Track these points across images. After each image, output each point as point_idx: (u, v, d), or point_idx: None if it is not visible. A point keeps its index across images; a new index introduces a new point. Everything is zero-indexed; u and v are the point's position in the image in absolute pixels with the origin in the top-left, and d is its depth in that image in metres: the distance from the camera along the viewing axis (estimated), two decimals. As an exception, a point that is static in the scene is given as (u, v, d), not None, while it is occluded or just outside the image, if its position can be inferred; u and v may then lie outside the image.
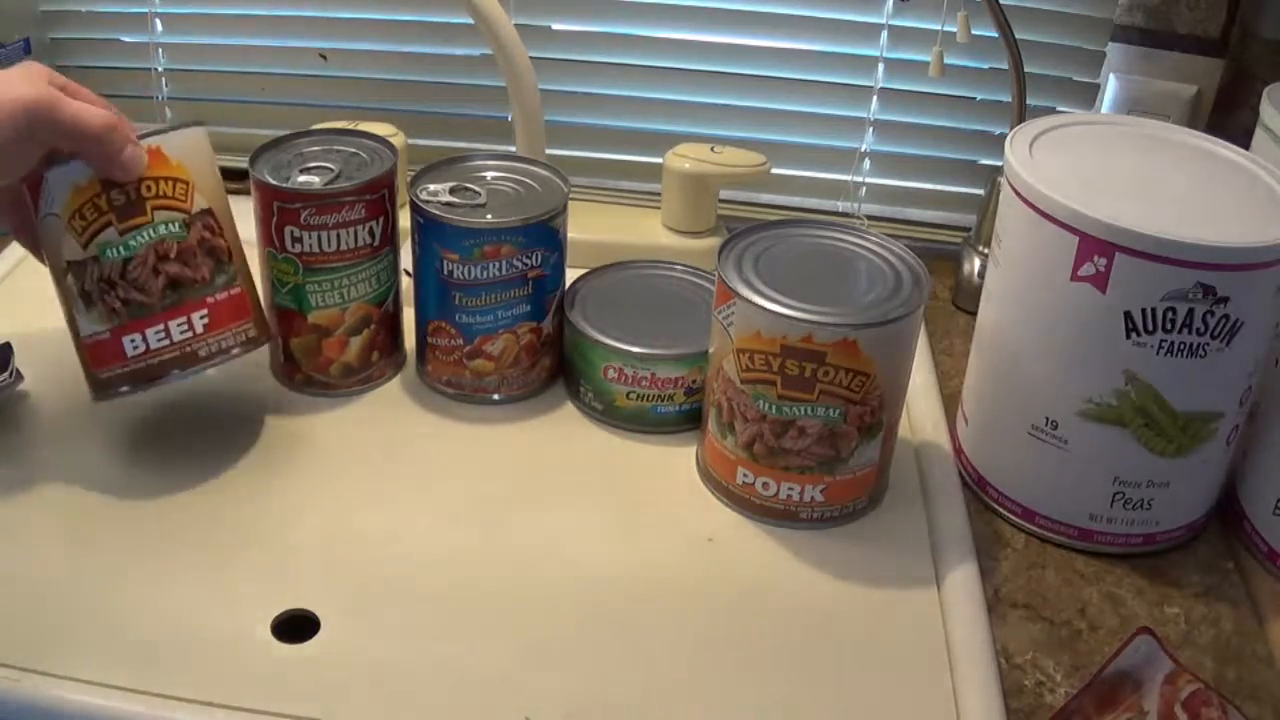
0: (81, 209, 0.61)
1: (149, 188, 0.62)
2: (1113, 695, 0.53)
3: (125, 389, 0.63)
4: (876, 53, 0.93)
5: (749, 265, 0.64)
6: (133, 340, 0.62)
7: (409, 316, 0.76)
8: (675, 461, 0.71)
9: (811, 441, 0.63)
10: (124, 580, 0.60)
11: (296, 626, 0.58)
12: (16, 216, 0.65)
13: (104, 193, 0.61)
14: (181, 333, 0.63)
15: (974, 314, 0.77)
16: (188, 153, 0.64)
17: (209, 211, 0.65)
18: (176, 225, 0.63)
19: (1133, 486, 0.64)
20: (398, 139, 0.87)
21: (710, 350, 0.66)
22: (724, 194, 0.90)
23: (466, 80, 0.98)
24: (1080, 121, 0.69)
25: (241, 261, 0.67)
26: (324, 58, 0.99)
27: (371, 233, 0.70)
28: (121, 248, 0.62)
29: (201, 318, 0.64)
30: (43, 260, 0.65)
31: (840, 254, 0.67)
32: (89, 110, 0.59)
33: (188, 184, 0.63)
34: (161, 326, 0.63)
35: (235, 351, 0.65)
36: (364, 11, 0.97)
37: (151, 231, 0.62)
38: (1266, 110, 0.71)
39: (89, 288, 0.62)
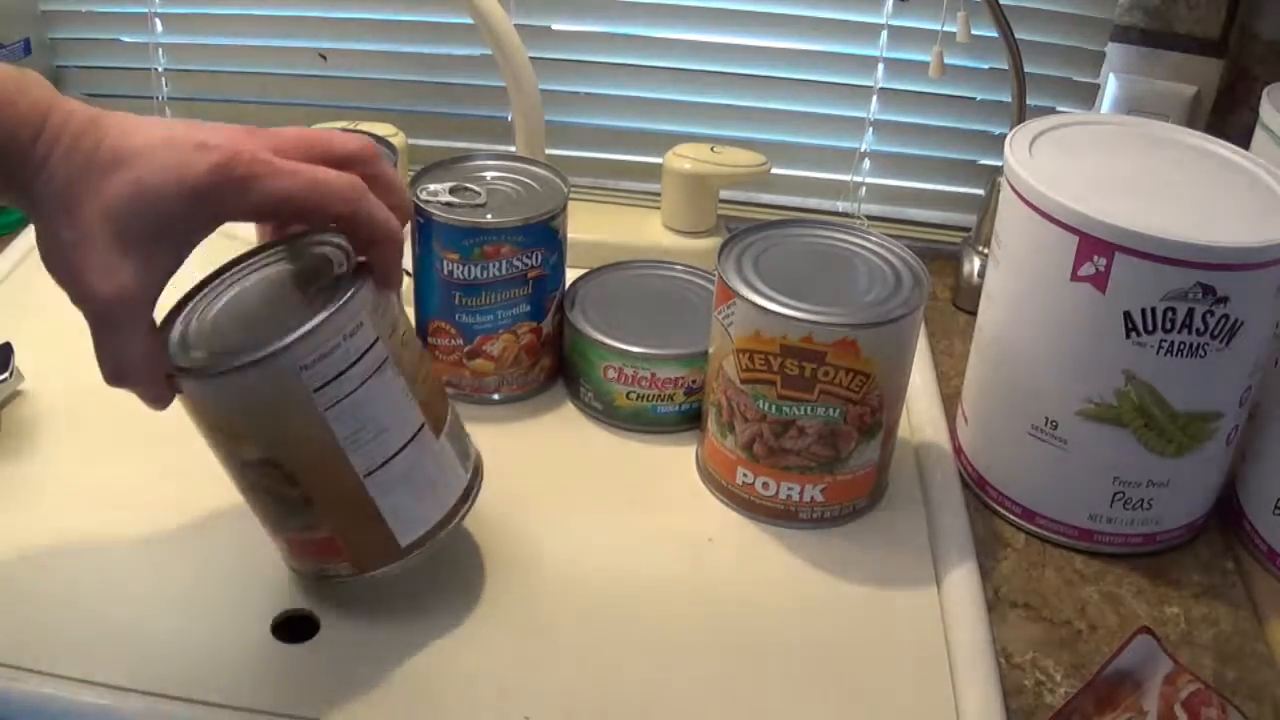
0: None
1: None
2: (1112, 695, 0.53)
3: None
4: (876, 53, 0.93)
5: (749, 265, 0.64)
6: None
7: (409, 317, 0.76)
8: (675, 461, 0.71)
9: (811, 441, 0.63)
10: (123, 579, 0.60)
11: (296, 626, 0.58)
12: None
13: None
14: None
15: (974, 314, 0.77)
16: (239, 399, 0.52)
17: (268, 462, 0.53)
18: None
19: (1133, 486, 0.64)
20: (398, 139, 0.87)
21: (710, 350, 0.66)
22: (724, 194, 0.90)
23: (466, 80, 0.98)
24: (1080, 121, 0.69)
25: (333, 503, 0.54)
26: (324, 58, 0.99)
27: (371, 233, 0.70)
28: None
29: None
30: None
31: (840, 254, 0.67)
32: None
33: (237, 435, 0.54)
34: None
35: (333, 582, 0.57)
36: (364, 11, 0.97)
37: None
38: (1266, 110, 0.71)
39: None
